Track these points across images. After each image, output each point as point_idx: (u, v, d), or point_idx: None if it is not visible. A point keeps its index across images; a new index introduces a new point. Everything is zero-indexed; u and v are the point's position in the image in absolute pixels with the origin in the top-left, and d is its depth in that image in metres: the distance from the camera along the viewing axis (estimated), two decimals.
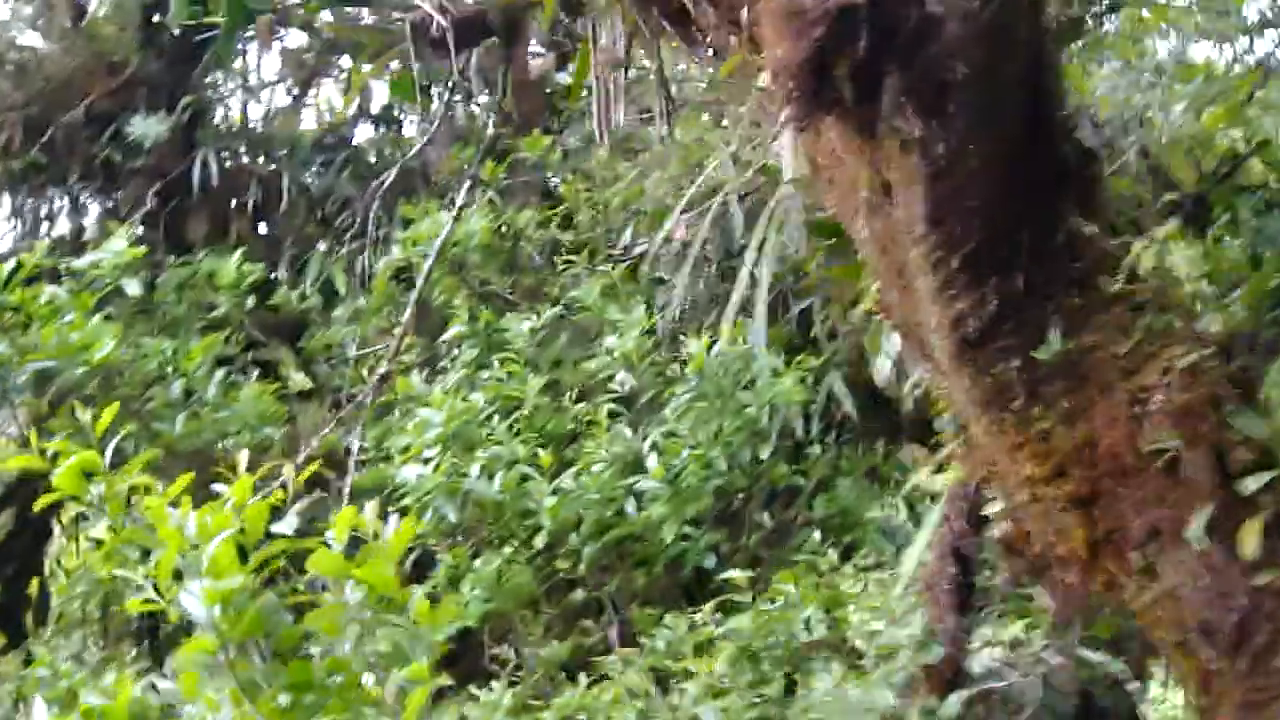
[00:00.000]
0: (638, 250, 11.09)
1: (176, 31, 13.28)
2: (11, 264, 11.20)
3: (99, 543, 5.63)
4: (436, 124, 11.61)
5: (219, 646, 3.91)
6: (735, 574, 8.30)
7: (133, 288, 11.64)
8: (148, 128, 14.01)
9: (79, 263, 11.54)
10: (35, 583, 14.12)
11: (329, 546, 4.63)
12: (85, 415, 4.84)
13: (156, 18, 13.75)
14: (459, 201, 10.57)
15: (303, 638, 4.41)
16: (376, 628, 4.11)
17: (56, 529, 14.53)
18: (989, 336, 4.03)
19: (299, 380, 13.59)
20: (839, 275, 8.00)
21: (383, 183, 11.26)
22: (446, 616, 4.12)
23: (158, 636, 12.83)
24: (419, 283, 10.54)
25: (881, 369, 7.77)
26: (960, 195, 3.89)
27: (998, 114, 3.95)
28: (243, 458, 4.60)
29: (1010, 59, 3.96)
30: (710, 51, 5.34)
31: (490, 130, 11.33)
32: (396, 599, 4.37)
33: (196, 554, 4.27)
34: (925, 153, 3.81)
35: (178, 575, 4.38)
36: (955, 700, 4.79)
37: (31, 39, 14.92)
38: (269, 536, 4.49)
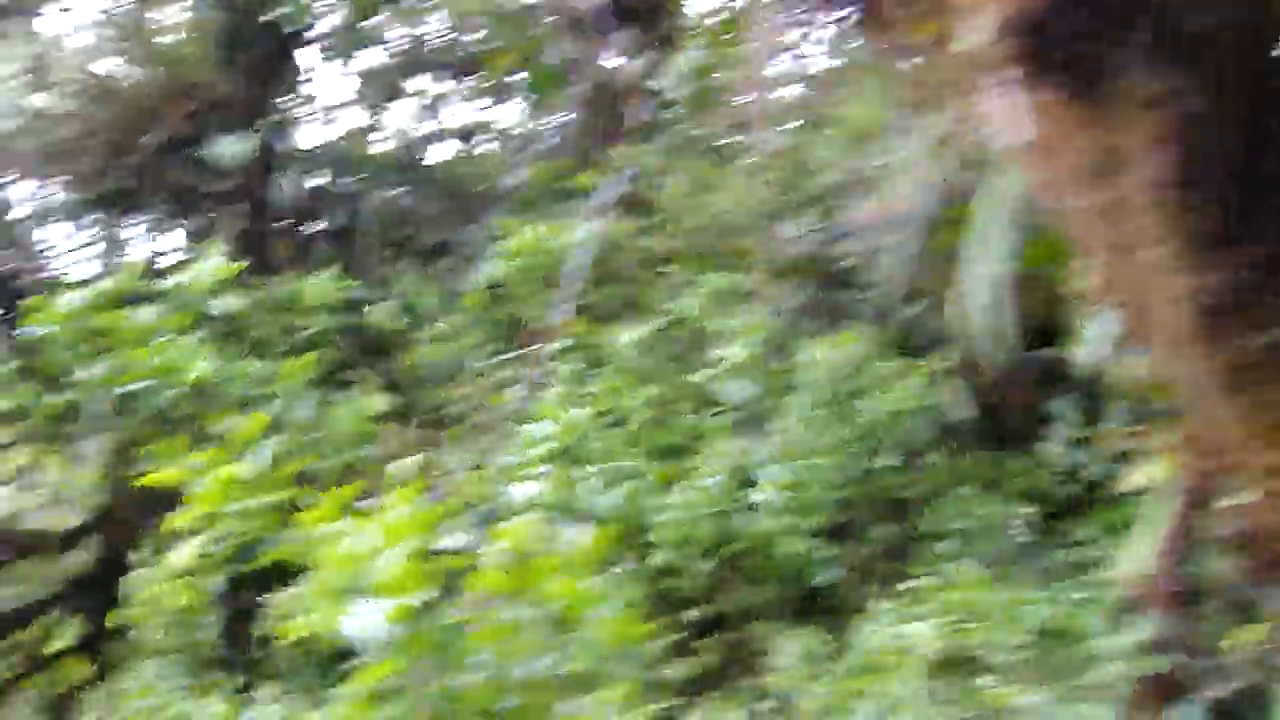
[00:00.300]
0: (805, 239, 10.54)
1: (285, 28, 13.05)
2: (99, 287, 11.07)
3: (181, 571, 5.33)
4: (571, 115, 11.22)
5: (404, 669, 3.58)
6: (918, 583, 8.02)
7: (230, 303, 11.42)
8: (228, 147, 13.86)
9: (170, 283, 11.35)
10: (117, 614, 13.97)
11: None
12: (232, 423, 4.55)
13: (261, 16, 13.55)
14: (609, 200, 10.16)
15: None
16: (566, 646, 3.76)
17: (133, 558, 14.40)
18: (1232, 310, 3.66)
19: (380, 403, 13.37)
20: (1035, 257, 7.58)
21: (492, 195, 10.90)
22: (644, 632, 3.78)
23: (244, 660, 12.63)
24: (563, 284, 10.13)
25: (1089, 351, 7.35)
26: (1206, 156, 3.53)
27: (1240, 69, 3.59)
28: (404, 467, 4.30)
29: (1249, 9, 3.61)
30: (870, 26, 5.00)
31: (648, 117, 10.91)
32: (573, 615, 4.04)
33: (364, 570, 3.95)
34: (1172, 109, 3.45)
35: (337, 594, 4.08)
36: (1189, 710, 4.40)
37: (112, 64, 14.80)
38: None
